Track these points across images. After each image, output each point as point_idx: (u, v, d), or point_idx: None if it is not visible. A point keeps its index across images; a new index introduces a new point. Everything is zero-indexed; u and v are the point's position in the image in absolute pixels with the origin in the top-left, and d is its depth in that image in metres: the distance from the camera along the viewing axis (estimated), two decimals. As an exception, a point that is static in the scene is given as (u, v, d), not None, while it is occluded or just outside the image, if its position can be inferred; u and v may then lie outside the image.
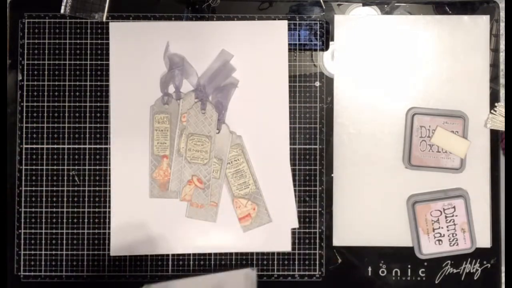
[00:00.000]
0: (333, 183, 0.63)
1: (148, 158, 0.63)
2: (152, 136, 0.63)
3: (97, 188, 0.63)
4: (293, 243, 0.63)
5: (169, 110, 0.63)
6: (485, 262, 0.63)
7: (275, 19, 0.64)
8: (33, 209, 0.63)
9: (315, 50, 0.64)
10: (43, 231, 0.63)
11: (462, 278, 0.63)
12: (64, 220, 0.63)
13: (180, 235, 0.63)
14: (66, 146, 0.63)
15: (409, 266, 0.63)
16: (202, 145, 0.62)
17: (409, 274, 0.63)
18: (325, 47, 0.64)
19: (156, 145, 0.63)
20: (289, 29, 0.63)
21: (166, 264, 0.63)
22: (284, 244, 0.63)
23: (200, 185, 0.62)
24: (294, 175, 0.63)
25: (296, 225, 0.63)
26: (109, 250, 0.63)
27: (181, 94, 0.63)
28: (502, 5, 0.63)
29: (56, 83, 0.64)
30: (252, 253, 0.63)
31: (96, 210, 0.63)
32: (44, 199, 0.63)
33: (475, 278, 0.63)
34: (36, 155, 0.63)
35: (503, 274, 0.63)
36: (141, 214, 0.63)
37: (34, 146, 0.63)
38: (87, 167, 0.63)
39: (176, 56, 0.63)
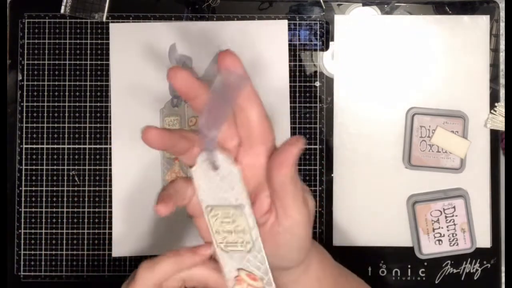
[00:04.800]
0: (333, 183, 0.63)
1: (160, 161, 0.63)
2: None
3: (97, 188, 0.63)
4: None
5: (179, 113, 0.63)
6: (485, 262, 0.63)
7: (275, 19, 0.64)
8: (33, 209, 0.63)
9: (315, 50, 0.64)
10: (43, 231, 0.63)
11: (462, 278, 0.63)
12: (64, 220, 0.63)
13: (181, 235, 0.63)
14: (66, 146, 0.63)
15: (409, 266, 0.63)
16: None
17: (409, 274, 0.63)
18: (325, 47, 0.64)
19: None
20: (289, 29, 0.63)
21: (166, 264, 0.63)
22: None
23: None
24: (294, 175, 0.63)
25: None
26: (109, 250, 0.63)
27: None
28: (502, 5, 0.63)
29: (56, 83, 0.64)
30: (252, 253, 0.63)
31: (96, 210, 0.63)
32: (44, 199, 0.63)
33: (475, 278, 0.63)
34: (36, 155, 0.63)
35: (503, 274, 0.63)
36: (144, 216, 0.63)
37: (34, 146, 0.63)
38: (87, 167, 0.63)
39: (185, 57, 0.63)
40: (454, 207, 0.62)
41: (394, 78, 0.64)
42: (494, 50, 0.63)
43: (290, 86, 0.63)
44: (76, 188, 0.63)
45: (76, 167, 0.63)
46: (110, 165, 0.63)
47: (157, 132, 0.36)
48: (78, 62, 0.64)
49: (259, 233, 0.40)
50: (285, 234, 0.40)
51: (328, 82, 0.64)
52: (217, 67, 0.38)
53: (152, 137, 0.36)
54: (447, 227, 0.63)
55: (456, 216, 0.63)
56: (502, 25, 0.63)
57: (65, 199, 0.63)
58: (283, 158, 0.37)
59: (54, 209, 0.63)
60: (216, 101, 0.37)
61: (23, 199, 0.63)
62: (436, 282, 0.63)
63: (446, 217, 0.63)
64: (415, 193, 0.63)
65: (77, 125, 0.63)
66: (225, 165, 0.39)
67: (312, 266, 0.44)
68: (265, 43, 0.63)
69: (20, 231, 0.63)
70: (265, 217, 0.40)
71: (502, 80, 0.63)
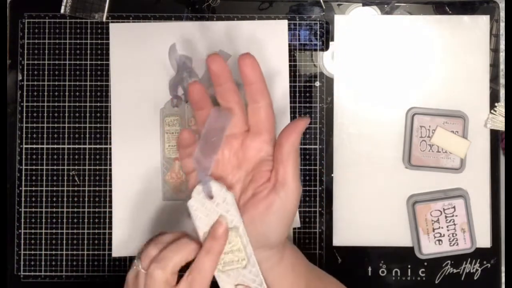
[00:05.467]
0: (333, 183, 0.63)
1: (160, 161, 0.63)
2: (163, 139, 0.63)
3: (97, 188, 0.63)
4: (293, 243, 0.63)
5: (179, 113, 0.62)
6: (485, 262, 0.63)
7: (275, 19, 0.64)
8: (33, 209, 0.63)
9: (315, 50, 0.64)
10: (43, 231, 0.63)
11: (462, 278, 0.63)
12: (64, 220, 0.63)
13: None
14: (66, 146, 0.63)
15: (409, 266, 0.63)
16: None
17: (409, 274, 0.63)
18: (325, 47, 0.64)
19: (167, 148, 0.63)
20: (289, 29, 0.63)
21: (166, 264, 0.63)
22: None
23: None
24: (294, 175, 0.63)
25: (298, 225, 0.63)
26: (109, 250, 0.63)
27: None
28: (502, 5, 0.63)
29: (56, 83, 0.64)
30: (252, 253, 0.63)
31: (96, 210, 0.63)
32: (44, 199, 0.63)
33: (475, 278, 0.63)
34: (36, 155, 0.63)
35: (503, 274, 0.63)
36: (144, 216, 0.63)
37: (34, 146, 0.63)
38: (87, 167, 0.63)
39: (185, 58, 0.62)
40: (454, 207, 0.62)
41: (394, 78, 0.64)
42: (494, 50, 0.63)
43: (290, 86, 0.63)
44: (76, 188, 0.63)
45: (76, 167, 0.63)
46: (110, 165, 0.63)
47: (200, 87, 0.48)
48: (78, 62, 0.64)
49: (252, 250, 0.46)
50: (279, 201, 0.47)
51: (328, 82, 0.64)
52: (238, 68, 0.46)
53: (196, 89, 0.48)
54: (447, 227, 0.63)
55: (456, 216, 0.63)
56: (502, 25, 0.63)
57: (65, 199, 0.63)
58: (293, 128, 0.47)
59: (54, 209, 0.63)
60: (209, 134, 0.45)
61: (23, 199, 0.63)
62: (436, 282, 0.63)
63: (446, 217, 0.63)
64: (415, 193, 0.63)
65: (77, 125, 0.63)
66: (220, 193, 0.45)
67: (286, 255, 0.51)
68: (265, 43, 0.63)
69: (20, 231, 0.63)
70: (263, 186, 0.48)
71: (502, 80, 0.63)
